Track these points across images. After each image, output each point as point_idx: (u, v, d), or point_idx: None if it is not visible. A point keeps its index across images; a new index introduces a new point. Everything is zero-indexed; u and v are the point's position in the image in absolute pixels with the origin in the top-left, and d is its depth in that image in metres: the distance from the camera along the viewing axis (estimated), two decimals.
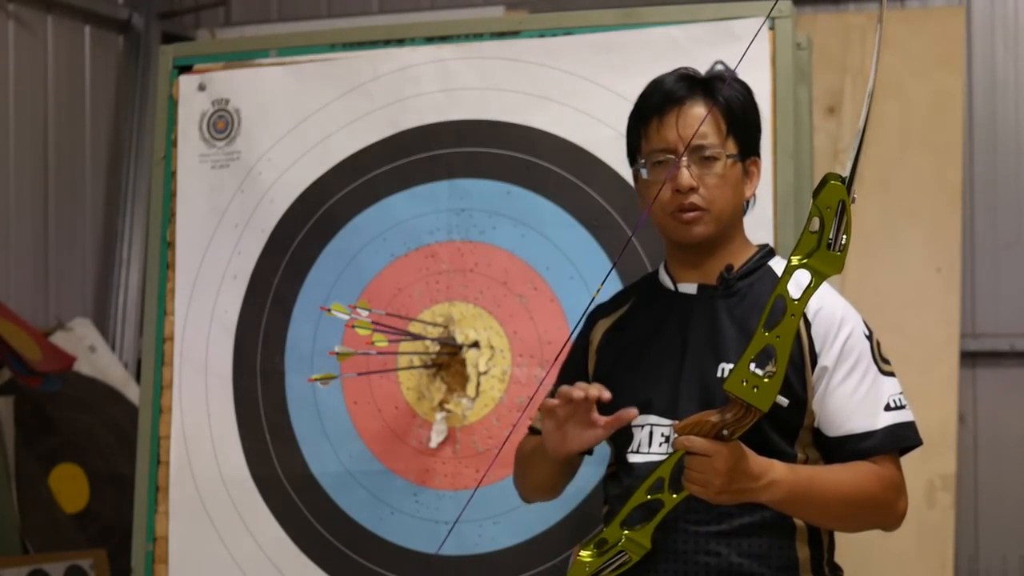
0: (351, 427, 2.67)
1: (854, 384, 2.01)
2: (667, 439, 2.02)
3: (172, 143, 2.86)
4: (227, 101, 2.83)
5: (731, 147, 2.07)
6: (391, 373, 2.64)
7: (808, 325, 2.02)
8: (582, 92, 2.62)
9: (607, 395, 1.98)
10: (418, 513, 2.62)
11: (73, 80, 4.77)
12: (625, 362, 2.12)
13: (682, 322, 2.09)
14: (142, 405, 2.81)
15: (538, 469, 2.19)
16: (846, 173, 1.76)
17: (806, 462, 2.02)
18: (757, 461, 1.90)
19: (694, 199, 2.04)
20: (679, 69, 2.12)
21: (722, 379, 1.92)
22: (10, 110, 4.47)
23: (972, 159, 4.43)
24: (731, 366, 1.97)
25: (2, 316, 4.00)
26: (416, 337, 2.63)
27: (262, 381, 2.74)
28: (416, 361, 2.64)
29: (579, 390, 1.98)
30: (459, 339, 2.62)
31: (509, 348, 2.60)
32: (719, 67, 2.18)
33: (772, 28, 2.52)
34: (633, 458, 2.06)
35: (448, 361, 2.63)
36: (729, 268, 2.09)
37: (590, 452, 2.13)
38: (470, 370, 2.62)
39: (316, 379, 2.50)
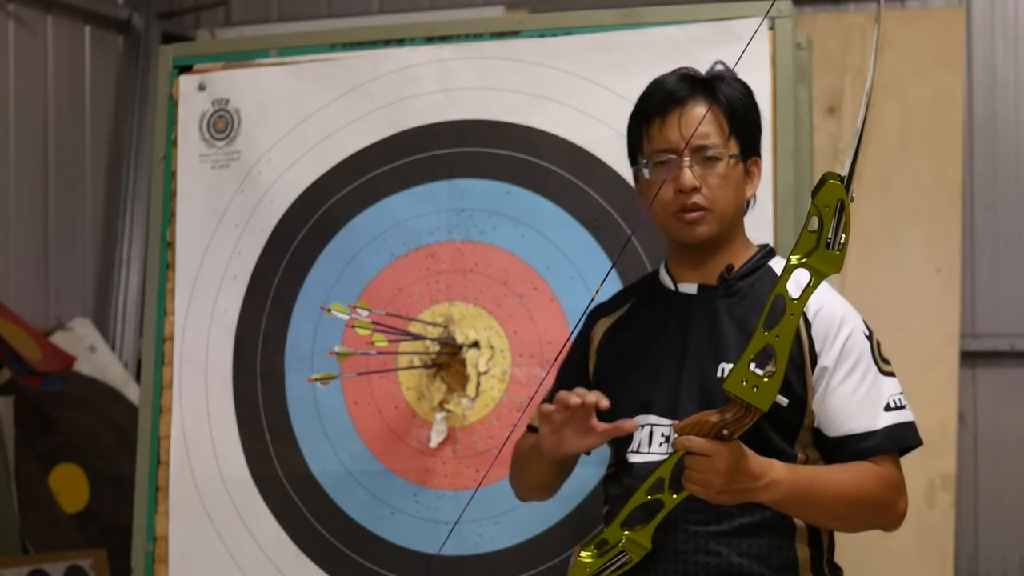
0: (351, 427, 2.67)
1: (854, 384, 2.00)
2: (667, 439, 2.02)
3: (172, 143, 2.86)
4: (227, 101, 2.83)
5: (733, 147, 2.07)
6: (391, 373, 2.64)
7: (808, 325, 2.02)
8: (582, 92, 2.62)
9: (605, 403, 1.99)
10: (418, 513, 2.62)
11: (73, 80, 4.77)
12: (625, 362, 2.12)
13: (682, 322, 2.08)
14: (142, 405, 2.81)
15: (534, 468, 2.19)
16: (845, 172, 1.76)
17: (806, 462, 2.02)
18: (757, 461, 1.90)
19: (697, 199, 2.04)
20: (680, 69, 2.12)
21: (722, 379, 1.91)
22: (10, 110, 4.47)
23: (972, 159, 4.42)
24: (731, 366, 1.97)
25: (2, 316, 4.00)
26: (416, 337, 2.63)
27: (262, 381, 2.74)
28: (416, 361, 2.64)
29: (576, 397, 1.98)
30: (459, 339, 2.62)
31: (509, 348, 2.60)
32: (719, 67, 2.18)
33: (772, 28, 2.52)
34: (633, 458, 2.06)
35: (448, 361, 2.63)
36: (729, 268, 2.09)
37: (587, 452, 2.12)
38: (470, 370, 2.61)
39: (316, 379, 2.50)
